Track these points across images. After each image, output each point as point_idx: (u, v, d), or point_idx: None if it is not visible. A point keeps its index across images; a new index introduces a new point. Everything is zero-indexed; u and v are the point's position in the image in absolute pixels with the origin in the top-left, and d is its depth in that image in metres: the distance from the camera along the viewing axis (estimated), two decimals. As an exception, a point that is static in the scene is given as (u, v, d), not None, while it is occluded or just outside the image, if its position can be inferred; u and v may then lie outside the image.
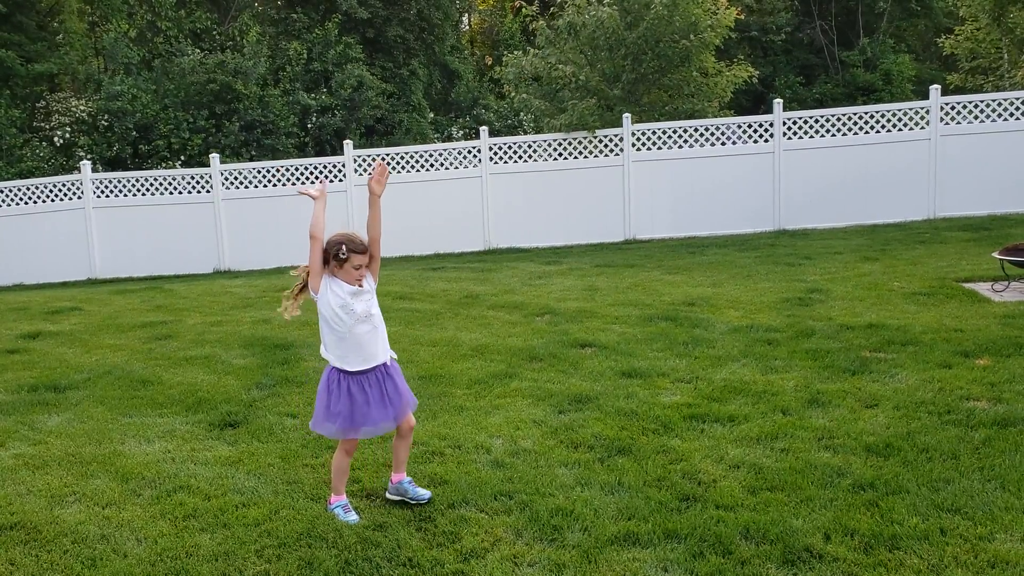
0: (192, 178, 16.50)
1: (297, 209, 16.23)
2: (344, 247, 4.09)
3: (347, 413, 4.11)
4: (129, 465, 5.05)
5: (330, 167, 16.32)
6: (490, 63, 32.76)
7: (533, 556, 3.78)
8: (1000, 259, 8.45)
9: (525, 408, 5.86)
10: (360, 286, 4.14)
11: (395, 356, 4.33)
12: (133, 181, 16.48)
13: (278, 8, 29.82)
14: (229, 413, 5.98)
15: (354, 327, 4.11)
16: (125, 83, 22.40)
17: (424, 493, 4.35)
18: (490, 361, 7.15)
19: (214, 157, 16.50)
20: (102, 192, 16.39)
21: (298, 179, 16.34)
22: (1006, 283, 8.53)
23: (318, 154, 24.35)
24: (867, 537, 3.79)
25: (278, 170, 16.46)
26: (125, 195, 16.41)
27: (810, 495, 4.23)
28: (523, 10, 18.59)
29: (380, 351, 4.18)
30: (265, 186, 16.41)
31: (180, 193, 16.45)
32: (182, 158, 22.13)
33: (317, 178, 16.25)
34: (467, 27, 40.52)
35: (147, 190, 16.44)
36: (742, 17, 18.68)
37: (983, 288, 8.67)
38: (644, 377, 6.43)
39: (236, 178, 16.44)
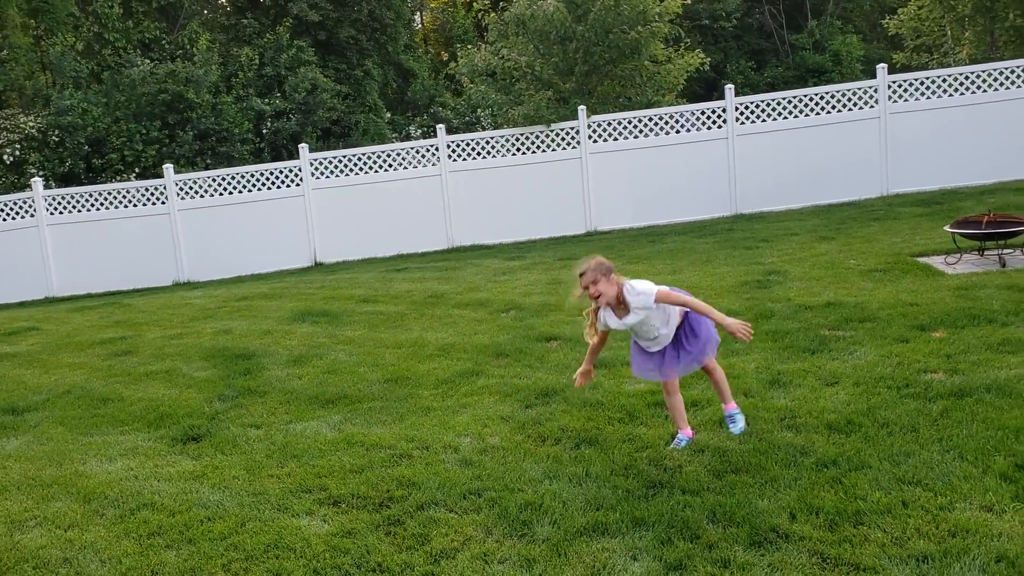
0: (147, 190, 16.27)
1: (254, 216, 16.10)
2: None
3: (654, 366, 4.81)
4: (91, 485, 4.97)
5: (286, 172, 16.17)
6: (445, 58, 32.65)
7: (503, 553, 3.79)
8: (952, 232, 8.60)
9: (492, 405, 5.86)
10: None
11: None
12: (87, 196, 16.21)
13: (228, 15, 29.45)
14: (192, 427, 5.92)
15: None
16: (74, 97, 22.01)
17: (737, 428, 4.88)
18: (456, 360, 7.14)
19: (168, 168, 16.28)
20: (55, 209, 16.11)
21: (255, 185, 16.17)
22: (958, 256, 8.69)
23: (274, 159, 24.10)
24: (832, 514, 3.83)
25: (234, 177, 16.28)
26: (79, 211, 16.13)
27: (775, 475, 4.27)
28: (475, 3, 18.47)
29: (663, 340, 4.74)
30: (221, 194, 16.21)
31: (135, 206, 16.21)
32: (136, 170, 21.80)
33: (273, 183, 16.10)
34: (420, 25, 40.34)
35: (101, 204, 16.17)
36: (689, 2, 18.78)
37: (937, 262, 8.82)
38: (609, 367, 6.46)
39: (192, 188, 16.23)
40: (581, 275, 4.53)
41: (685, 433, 4.87)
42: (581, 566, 3.63)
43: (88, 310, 12.52)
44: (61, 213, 16.11)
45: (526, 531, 3.96)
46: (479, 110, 26.98)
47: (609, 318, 4.64)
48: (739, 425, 4.91)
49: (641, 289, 4.52)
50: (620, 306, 4.58)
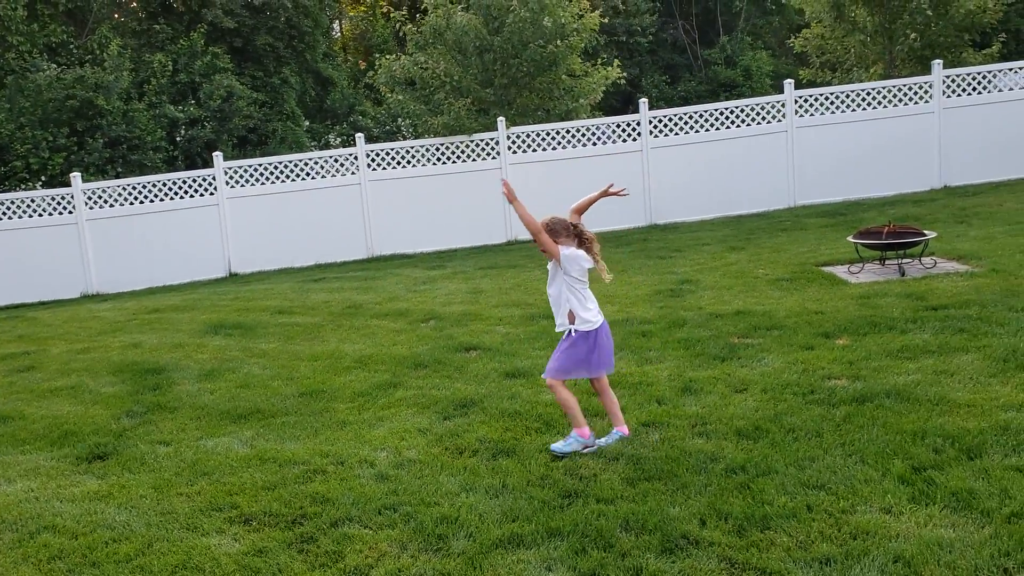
0: (52, 199, 15.68)
1: (167, 226, 15.68)
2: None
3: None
4: (-12, 509, 4.76)
5: (200, 180, 15.80)
6: (364, 67, 32.36)
7: (418, 568, 3.77)
8: (854, 243, 8.94)
9: (410, 417, 5.83)
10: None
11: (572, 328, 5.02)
12: (-14, 205, 15.53)
13: (140, 19, 28.62)
14: (98, 445, 5.72)
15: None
16: (-27, 102, 21.07)
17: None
18: (374, 372, 7.09)
19: (75, 176, 15.73)
20: (-48, 218, 15.38)
21: (166, 194, 15.75)
22: (861, 265, 9.03)
23: (189, 167, 23.53)
24: (740, 520, 3.93)
25: (145, 186, 15.82)
26: (-22, 220, 15.45)
27: (686, 482, 4.36)
28: (392, 15, 18.33)
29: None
30: (132, 203, 15.74)
31: (41, 215, 15.61)
32: (43, 178, 20.96)
33: (187, 192, 15.72)
34: (339, 34, 39.97)
35: (4, 214, 15.52)
36: (606, 20, 19.09)
37: (840, 271, 9.15)
38: (527, 376, 6.51)
39: (101, 197, 15.71)
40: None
41: (620, 429, 5.05)
42: (496, 578, 3.64)
43: (-12, 324, 12.00)
44: (-41, 223, 15.40)
45: (441, 545, 3.95)
46: (399, 119, 26.84)
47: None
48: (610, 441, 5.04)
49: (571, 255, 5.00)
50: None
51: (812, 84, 19.82)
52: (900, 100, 15.23)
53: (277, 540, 4.11)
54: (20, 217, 15.56)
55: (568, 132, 15.77)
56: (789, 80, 15.74)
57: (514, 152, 15.78)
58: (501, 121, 15.67)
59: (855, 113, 15.29)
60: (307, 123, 28.87)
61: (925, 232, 8.80)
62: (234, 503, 4.56)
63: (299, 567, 3.85)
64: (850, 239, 9.13)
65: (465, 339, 7.87)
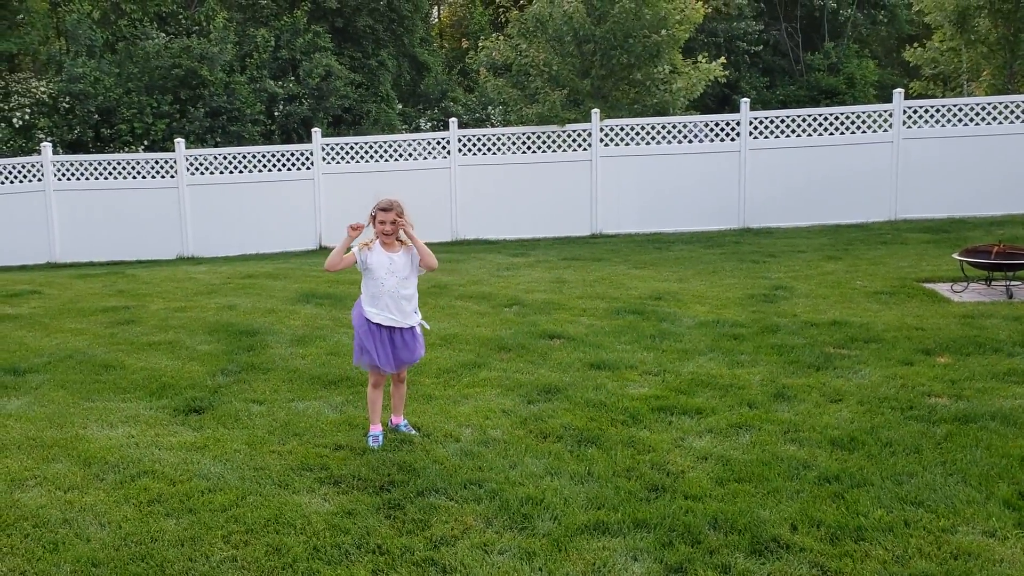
0: (156, 163, 16.23)
1: (263, 196, 16.09)
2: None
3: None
4: (91, 449, 4.96)
5: (298, 155, 16.15)
6: (465, 47, 32.60)
7: (503, 544, 3.78)
8: (960, 260, 8.61)
9: (494, 398, 5.85)
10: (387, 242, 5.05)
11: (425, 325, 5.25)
12: (95, 165, 16.17)
13: (246, -6, 29.37)
14: (194, 399, 5.90)
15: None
16: (87, 65, 21.95)
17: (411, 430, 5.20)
18: (459, 351, 7.13)
19: (179, 142, 16.24)
20: (63, 175, 16.06)
21: (265, 166, 16.15)
22: (965, 284, 8.69)
23: (285, 142, 24.10)
24: (833, 528, 3.83)
25: (245, 156, 16.25)
26: (87, 179, 16.09)
27: (777, 487, 4.27)
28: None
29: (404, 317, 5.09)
30: (231, 172, 16.19)
31: (144, 178, 16.18)
32: (145, 143, 21.75)
33: (284, 165, 16.09)
34: (437, 19, 40.34)
35: (110, 174, 16.14)
36: (709, 11, 18.80)
37: (943, 288, 8.83)
38: (612, 369, 6.46)
39: (201, 164, 16.21)
40: (387, 210, 5.02)
41: (376, 428, 5.07)
42: (581, 563, 3.62)
43: (91, 278, 12.50)
44: (69, 179, 16.07)
45: (526, 524, 3.96)
46: (489, 107, 26.97)
47: (374, 255, 5.03)
48: (412, 430, 5.20)
49: None
50: (396, 243, 5.06)
51: (922, 97, 19.17)
52: (1017, 117, 14.57)
53: (365, 504, 4.17)
54: (124, 178, 16.15)
55: (663, 127, 15.58)
56: (899, 89, 15.22)
57: (606, 145, 15.67)
58: (595, 113, 15.57)
59: (966, 128, 14.71)
60: (400, 106, 29.24)
61: (1038, 254, 8.41)
62: (324, 464, 4.65)
63: (387, 531, 3.91)
64: (956, 256, 8.79)
65: (549, 327, 7.85)
